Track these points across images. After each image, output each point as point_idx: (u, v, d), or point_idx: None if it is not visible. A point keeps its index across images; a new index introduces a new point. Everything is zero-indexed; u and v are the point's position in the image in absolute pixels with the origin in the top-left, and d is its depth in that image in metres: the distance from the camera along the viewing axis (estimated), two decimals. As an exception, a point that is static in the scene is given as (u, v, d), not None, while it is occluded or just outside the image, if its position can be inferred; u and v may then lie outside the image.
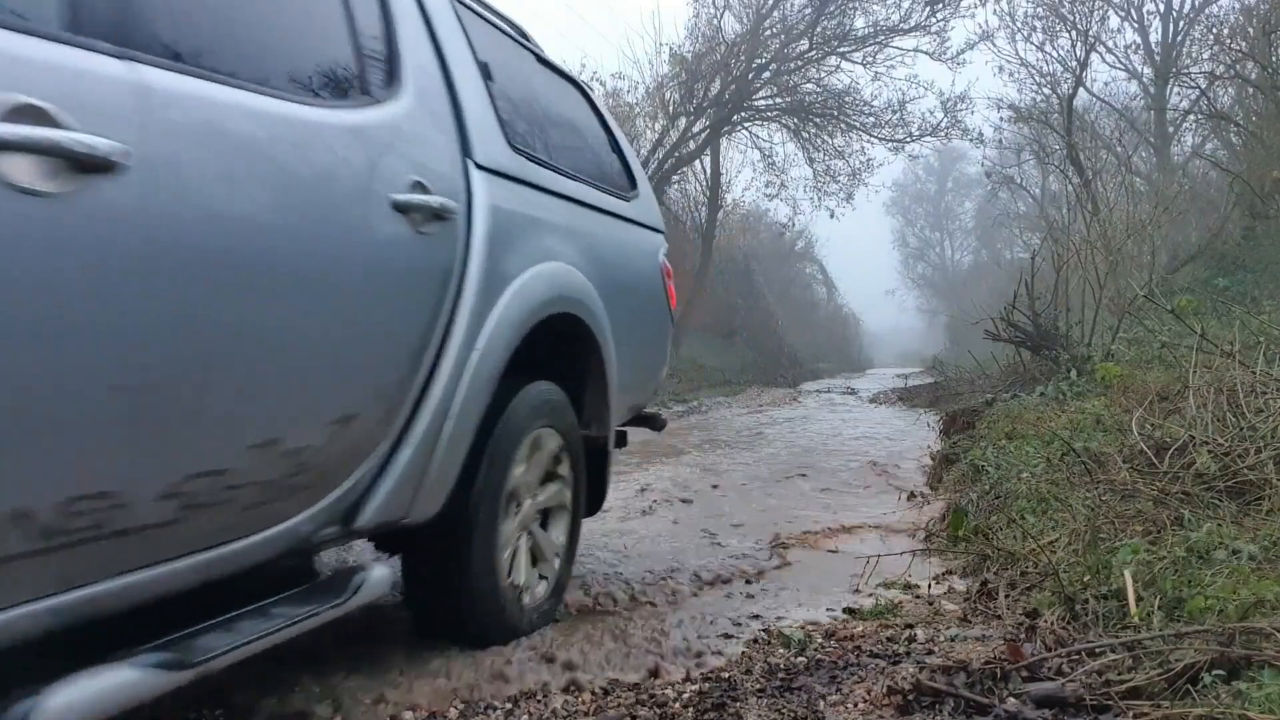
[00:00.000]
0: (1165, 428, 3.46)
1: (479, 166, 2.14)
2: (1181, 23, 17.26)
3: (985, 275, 33.10)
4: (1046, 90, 16.83)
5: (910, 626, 2.37)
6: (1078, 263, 8.89)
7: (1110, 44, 18.00)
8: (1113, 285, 8.32)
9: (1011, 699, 1.75)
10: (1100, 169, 15.17)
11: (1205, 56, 15.13)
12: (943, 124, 18.20)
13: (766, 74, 17.93)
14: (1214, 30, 14.63)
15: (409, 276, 1.88)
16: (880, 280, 50.33)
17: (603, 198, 2.91)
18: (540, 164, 2.49)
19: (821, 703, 1.82)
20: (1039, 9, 16.61)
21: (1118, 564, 2.31)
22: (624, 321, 2.78)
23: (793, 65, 17.90)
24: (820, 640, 2.32)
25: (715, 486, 5.28)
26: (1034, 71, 17.04)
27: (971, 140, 18.59)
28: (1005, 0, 18.09)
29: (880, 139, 18.64)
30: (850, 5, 17.24)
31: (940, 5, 17.06)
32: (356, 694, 1.93)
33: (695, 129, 17.83)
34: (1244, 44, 12.10)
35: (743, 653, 2.28)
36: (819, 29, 17.31)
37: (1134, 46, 18.52)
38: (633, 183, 3.32)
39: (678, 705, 1.85)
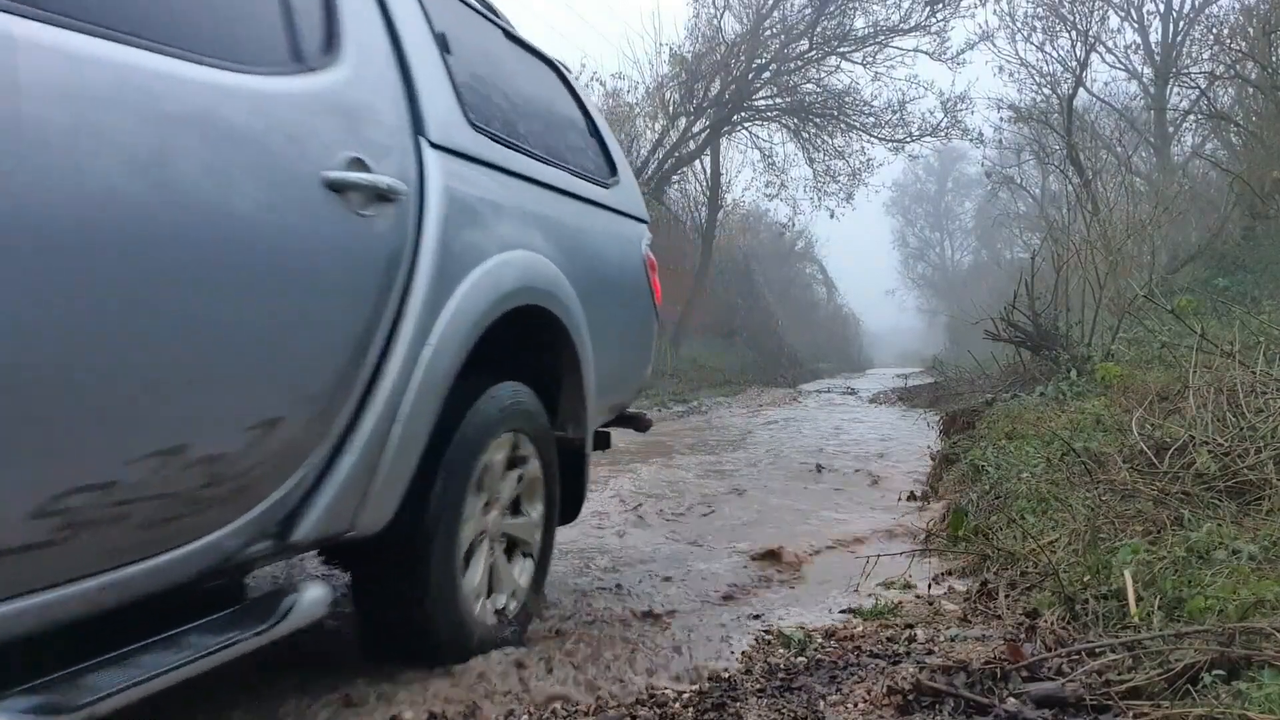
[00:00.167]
0: (1165, 428, 3.46)
1: (433, 145, 1.97)
2: (1181, 23, 17.30)
3: (985, 275, 33.13)
4: (1046, 90, 16.88)
5: (910, 626, 2.36)
6: (1078, 263, 8.89)
7: (1110, 44, 18.08)
8: (1113, 285, 8.32)
9: (1011, 699, 1.75)
10: (1100, 169, 15.17)
11: (1205, 56, 15.19)
12: (943, 124, 18.29)
13: (766, 74, 17.97)
14: (1214, 30, 14.69)
15: (344, 262, 1.68)
16: (880, 280, 50.50)
17: (578, 183, 2.73)
18: (505, 145, 2.32)
19: (821, 703, 1.82)
20: (1039, 9, 16.68)
21: (1118, 564, 2.30)
22: (602, 316, 2.63)
23: (793, 65, 17.96)
24: (820, 640, 2.32)
25: (716, 487, 5.28)
26: (1034, 71, 17.11)
27: (971, 140, 18.68)
28: (1005, 0, 18.14)
29: (880, 139, 18.70)
30: (850, 5, 17.31)
31: (940, 5, 17.12)
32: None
33: (695, 129, 17.88)
34: (1244, 44, 12.11)
35: (743, 653, 2.28)
36: (819, 29, 17.37)
37: (1134, 46, 18.58)
38: (613, 169, 3.13)
39: (677, 705, 1.85)
